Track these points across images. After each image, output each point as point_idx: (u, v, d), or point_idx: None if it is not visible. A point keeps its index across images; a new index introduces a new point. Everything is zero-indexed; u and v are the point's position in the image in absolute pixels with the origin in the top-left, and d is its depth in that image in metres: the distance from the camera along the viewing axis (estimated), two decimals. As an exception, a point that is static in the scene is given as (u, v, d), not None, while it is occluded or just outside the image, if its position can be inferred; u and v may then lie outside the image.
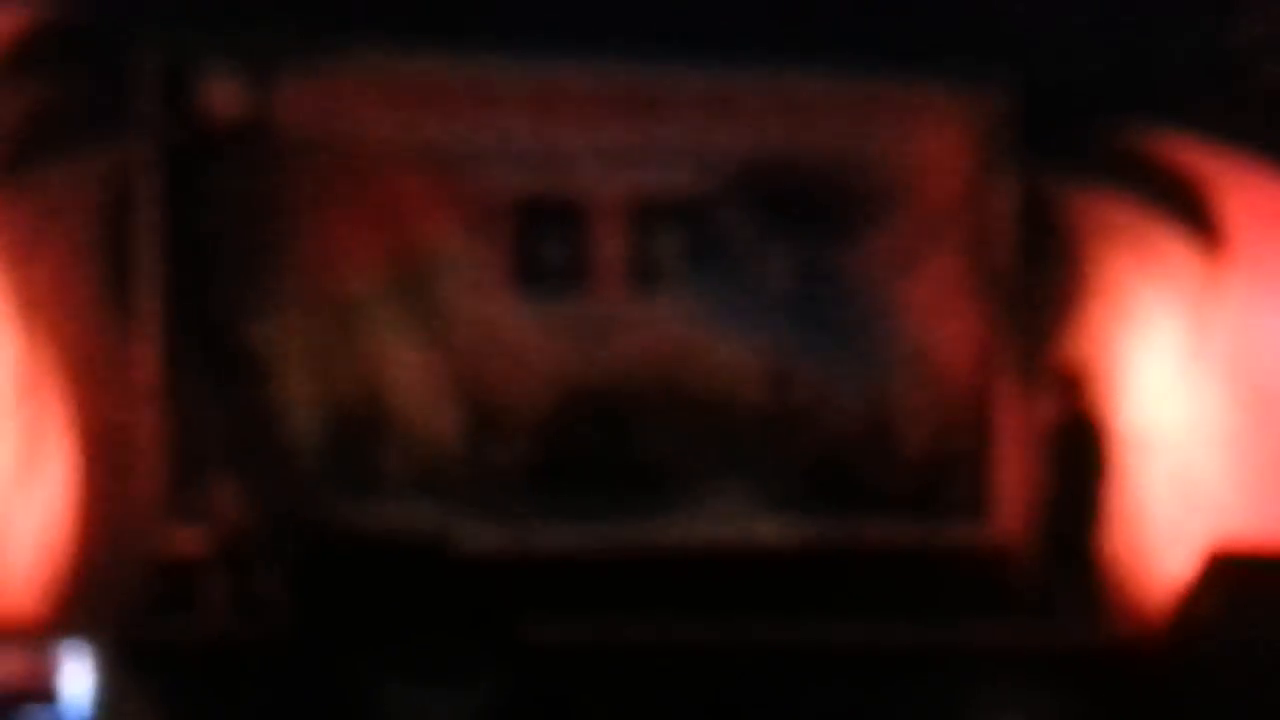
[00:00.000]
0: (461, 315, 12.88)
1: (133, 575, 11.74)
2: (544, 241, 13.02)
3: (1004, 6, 12.68)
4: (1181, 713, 9.18)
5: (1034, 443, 12.85)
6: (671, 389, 13.03)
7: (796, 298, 13.21)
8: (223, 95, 12.54)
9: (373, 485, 12.66)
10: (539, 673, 9.60)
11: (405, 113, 12.83)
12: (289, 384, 12.52)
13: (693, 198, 13.11)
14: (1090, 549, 12.18)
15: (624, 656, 10.45)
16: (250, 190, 12.64)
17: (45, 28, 11.09)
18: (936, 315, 13.23)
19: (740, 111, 13.14)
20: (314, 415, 12.58)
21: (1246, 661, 9.62)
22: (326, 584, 10.39)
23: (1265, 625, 9.89)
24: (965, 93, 13.30)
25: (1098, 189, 12.67)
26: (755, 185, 13.14)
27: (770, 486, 13.07)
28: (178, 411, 12.36)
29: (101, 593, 11.29)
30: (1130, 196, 12.51)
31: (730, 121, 13.13)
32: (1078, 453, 12.32)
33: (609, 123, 13.07)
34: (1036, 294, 13.15)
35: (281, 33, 12.81)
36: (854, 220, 13.21)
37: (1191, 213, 12.27)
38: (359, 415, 12.61)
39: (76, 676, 1.66)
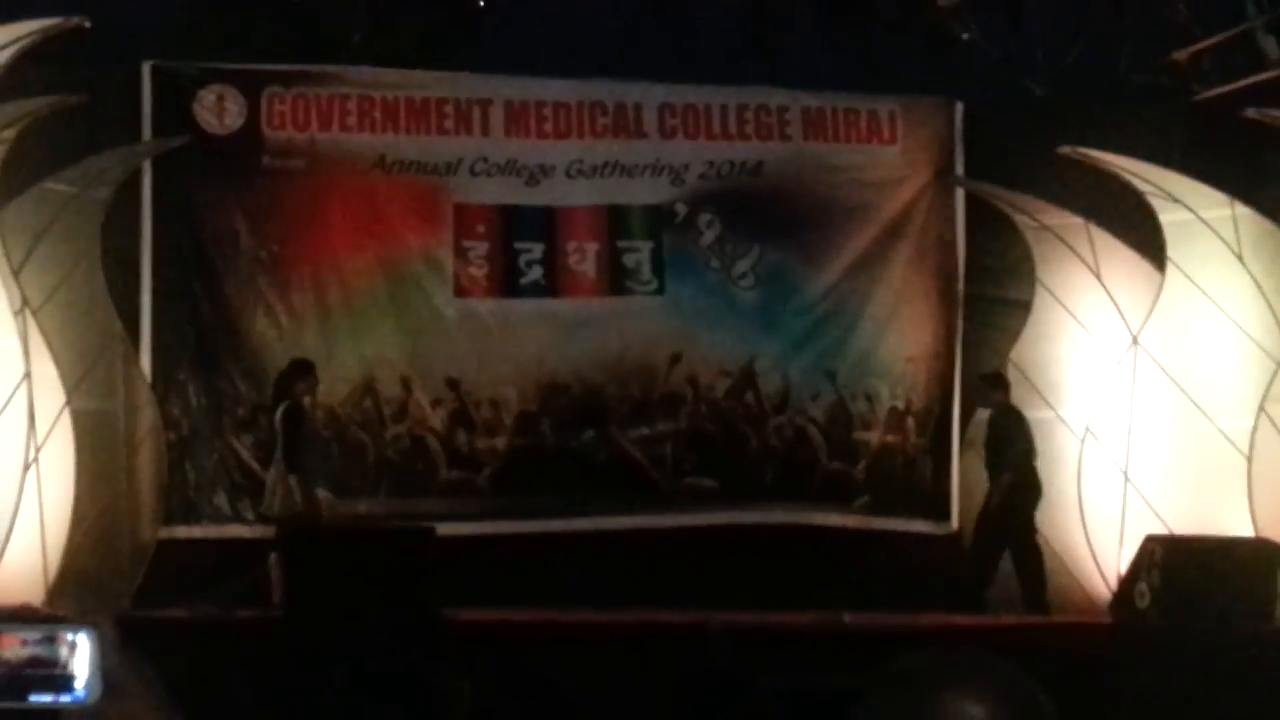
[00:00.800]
0: (443, 317, 13.10)
1: (133, 561, 12.00)
2: (522, 249, 13.24)
3: (952, 29, 12.93)
4: (1122, 683, 9.27)
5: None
6: (643, 385, 13.29)
7: (766, 296, 13.51)
8: (215, 107, 12.79)
9: (360, 478, 12.88)
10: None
11: (388, 125, 13.04)
12: (281, 381, 12.49)
13: (661, 206, 13.40)
14: (1026, 534, 12.35)
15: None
16: (241, 196, 12.87)
17: (51, 40, 11.09)
18: (894, 318, 13.57)
19: (706, 125, 13.45)
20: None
21: (1180, 637, 9.93)
22: (317, 569, 10.27)
23: (1195, 602, 10.25)
24: (917, 108, 13.72)
25: (1042, 199, 12.95)
26: (721, 195, 13.45)
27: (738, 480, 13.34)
28: (173, 406, 12.60)
29: (103, 578, 11.50)
30: (1073, 206, 12.79)
31: (697, 135, 13.44)
32: (1007, 444, 12.48)
33: (583, 136, 13.31)
34: (986, 298, 13.57)
35: (271, 49, 12.93)
36: (814, 228, 13.53)
37: (1132, 223, 12.58)
38: (345, 413, 12.77)
39: (84, 659, 1.92)
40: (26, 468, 10.80)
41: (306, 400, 11.91)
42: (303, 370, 11.91)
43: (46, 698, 1.87)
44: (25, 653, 1.89)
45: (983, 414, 12.98)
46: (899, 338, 13.58)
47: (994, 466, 12.53)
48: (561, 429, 13.22)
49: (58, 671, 1.88)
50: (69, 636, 1.88)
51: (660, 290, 13.44)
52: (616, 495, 13.22)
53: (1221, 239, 12.08)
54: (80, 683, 1.87)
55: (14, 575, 10.62)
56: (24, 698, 1.87)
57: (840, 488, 13.45)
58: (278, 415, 11.67)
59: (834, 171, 13.57)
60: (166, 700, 1.93)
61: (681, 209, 13.42)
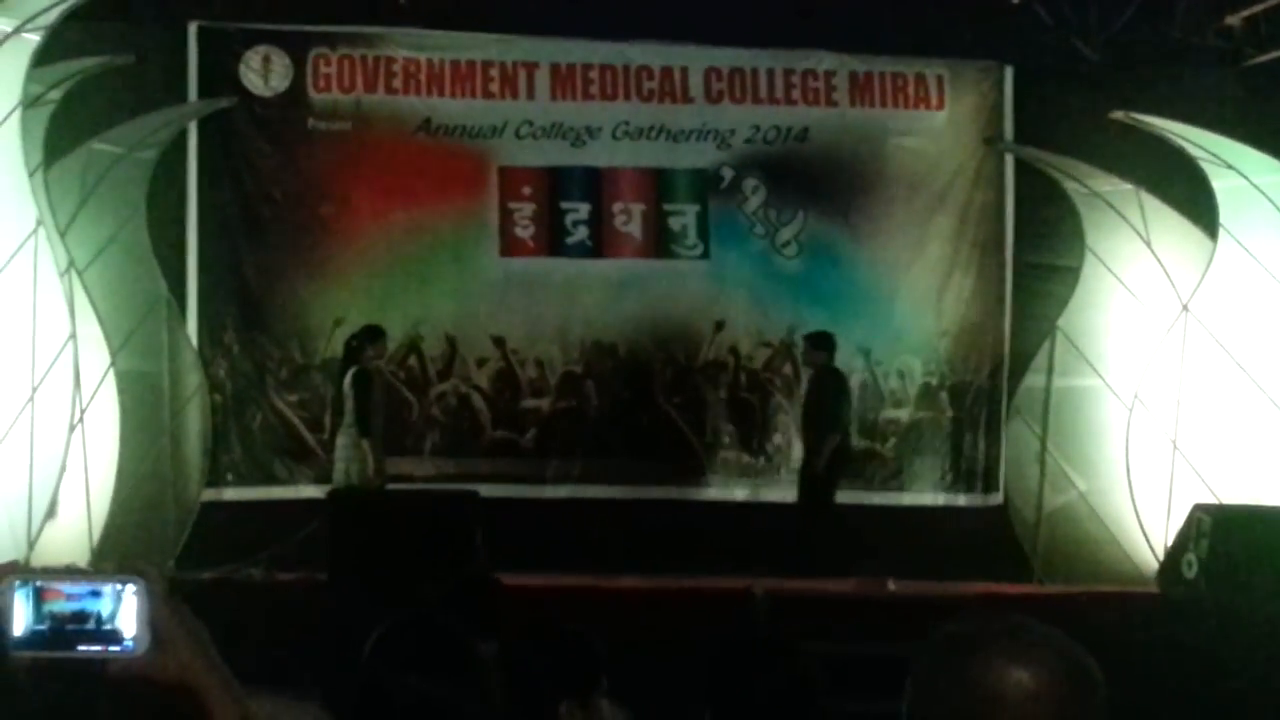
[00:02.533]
0: (489, 276, 13.12)
1: (178, 523, 12.08)
2: (569, 209, 13.25)
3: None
4: (1168, 654, 9.21)
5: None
6: (687, 352, 13.28)
7: (808, 266, 13.46)
8: (261, 68, 12.83)
9: (406, 437, 12.90)
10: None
11: (433, 88, 13.08)
12: (327, 344, 12.77)
13: (707, 170, 13.37)
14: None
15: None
16: (286, 157, 12.93)
17: (98, 1, 10.99)
18: (933, 293, 13.50)
19: (753, 90, 13.41)
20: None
21: (1226, 607, 9.84)
22: (363, 531, 10.31)
23: (1242, 572, 10.17)
24: (966, 72, 13.60)
25: (1093, 165, 12.82)
26: (766, 160, 13.41)
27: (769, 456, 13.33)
28: (218, 367, 12.70)
29: (147, 539, 11.56)
30: (1124, 172, 12.65)
31: (744, 99, 13.40)
32: (833, 405, 12.31)
33: (629, 99, 13.31)
34: (1034, 265, 13.48)
35: (317, 10, 12.97)
36: (859, 196, 13.47)
37: (1184, 189, 12.43)
38: (391, 371, 12.73)
39: (131, 609, 1.90)
40: (72, 428, 10.79)
41: (375, 365, 11.87)
42: (373, 335, 11.85)
43: (95, 648, 1.85)
44: (71, 607, 1.87)
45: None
46: (936, 313, 13.52)
47: (817, 426, 12.31)
48: (605, 391, 13.24)
49: (105, 622, 1.86)
50: (116, 587, 1.86)
51: (705, 255, 13.41)
52: (657, 463, 13.20)
53: (1275, 205, 11.94)
54: (128, 633, 1.85)
55: (59, 536, 10.67)
56: (72, 648, 1.86)
57: (868, 466, 13.37)
58: (347, 380, 11.60)
59: (880, 138, 13.51)
60: (215, 652, 1.90)
61: (727, 173, 13.40)
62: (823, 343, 12.42)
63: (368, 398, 11.56)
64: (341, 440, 11.67)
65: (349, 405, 11.56)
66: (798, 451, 12.92)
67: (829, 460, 12.15)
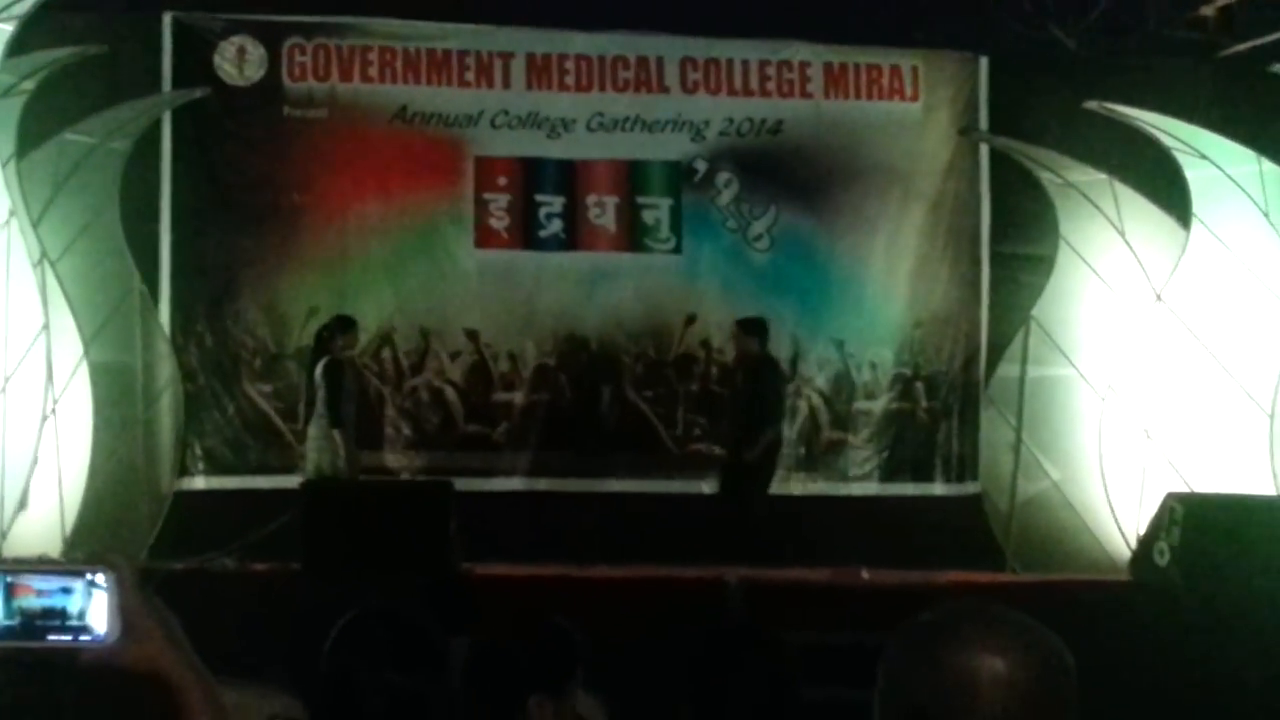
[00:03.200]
0: (463, 268, 13.11)
1: (150, 513, 12.03)
2: (543, 201, 13.22)
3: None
4: (1140, 642, 9.25)
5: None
6: (658, 345, 13.28)
7: (780, 259, 13.47)
8: (236, 57, 12.78)
9: (378, 430, 12.86)
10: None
11: (409, 77, 13.06)
12: (301, 333, 12.71)
13: (681, 163, 13.36)
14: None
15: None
16: (261, 147, 12.88)
17: None
18: (906, 284, 13.50)
19: (728, 80, 13.41)
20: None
21: (1199, 595, 9.90)
22: (336, 521, 10.30)
23: (1214, 560, 10.21)
24: (941, 62, 13.61)
25: (1067, 155, 12.85)
26: (740, 153, 13.40)
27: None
28: (191, 357, 12.65)
29: (120, 530, 11.53)
30: (1098, 162, 12.69)
31: (719, 90, 13.40)
32: (771, 394, 12.28)
33: (604, 89, 13.29)
34: (1008, 254, 13.50)
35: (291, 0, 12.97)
36: (832, 190, 13.47)
37: (1157, 179, 12.48)
38: (364, 364, 12.73)
39: (101, 599, 1.89)
40: (44, 419, 10.80)
41: (347, 355, 11.87)
42: (345, 325, 11.86)
43: (65, 638, 1.85)
44: (41, 602, 1.87)
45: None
46: (909, 304, 13.52)
47: (752, 416, 12.16)
48: (578, 385, 13.22)
49: (75, 615, 1.86)
50: (86, 579, 1.86)
51: (677, 249, 13.41)
52: (629, 456, 13.20)
53: (1248, 195, 12.01)
54: (99, 625, 1.85)
55: (32, 527, 10.69)
56: (43, 639, 1.86)
57: (841, 457, 13.42)
58: (318, 371, 11.61)
59: (854, 131, 13.50)
60: (186, 641, 1.90)
61: (701, 165, 13.39)
62: (755, 328, 12.32)
63: (339, 388, 11.57)
64: (313, 430, 11.67)
65: (320, 395, 11.56)
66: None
67: (763, 450, 12.09)
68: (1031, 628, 2.20)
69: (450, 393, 13.05)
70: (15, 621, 1.86)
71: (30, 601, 1.87)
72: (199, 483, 12.56)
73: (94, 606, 1.87)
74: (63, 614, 1.86)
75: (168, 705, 1.94)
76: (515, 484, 12.95)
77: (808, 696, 4.14)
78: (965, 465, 13.44)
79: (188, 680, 1.95)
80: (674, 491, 13.08)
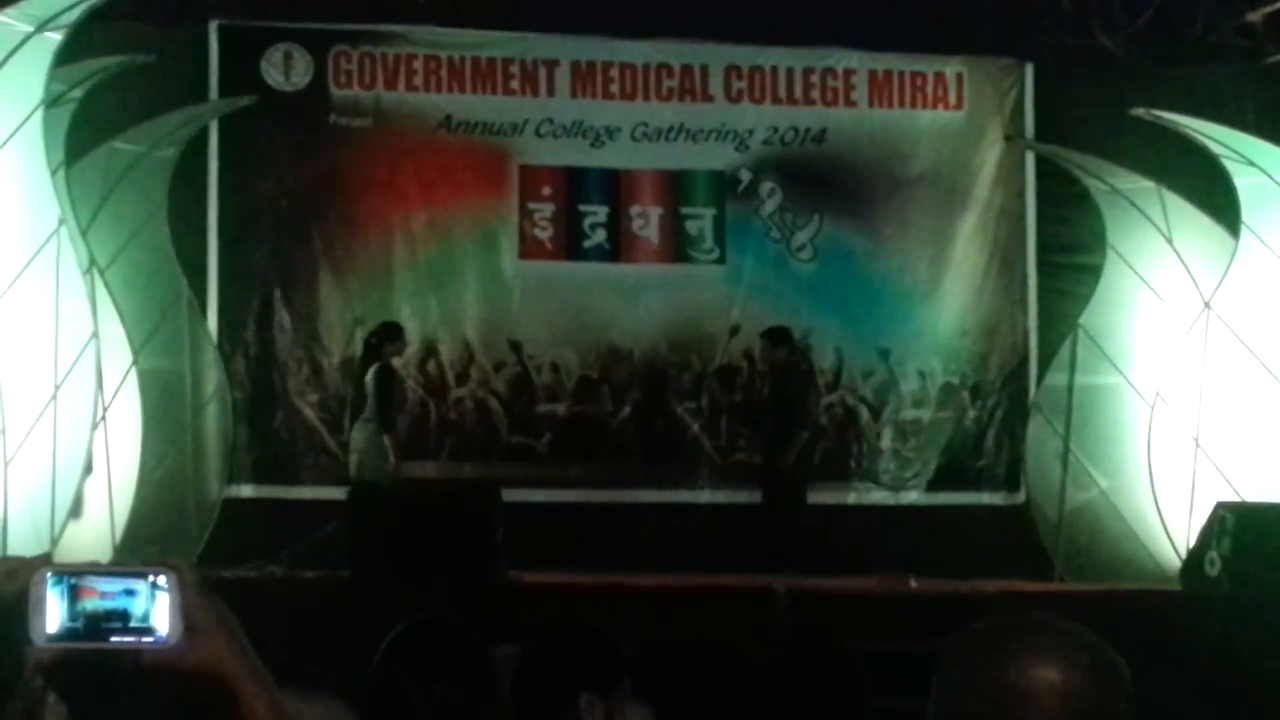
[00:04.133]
0: (507, 279, 13.12)
1: (198, 521, 12.08)
2: (587, 211, 13.26)
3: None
4: (1191, 652, 9.19)
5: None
6: (702, 356, 13.28)
7: (823, 269, 13.46)
8: (282, 65, 12.86)
9: (422, 441, 12.88)
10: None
11: (454, 85, 13.10)
12: (347, 344, 12.78)
13: (725, 173, 13.37)
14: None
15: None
16: (307, 155, 12.96)
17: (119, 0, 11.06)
18: (953, 293, 13.49)
19: (772, 89, 13.41)
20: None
21: (1250, 605, 9.81)
22: (384, 528, 10.32)
23: (1266, 569, 10.12)
24: (986, 69, 13.59)
25: (1114, 163, 12.77)
26: (783, 162, 13.41)
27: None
28: (238, 366, 12.73)
29: (169, 537, 11.57)
30: (1145, 170, 12.61)
31: (762, 99, 13.40)
32: (802, 401, 12.33)
33: (648, 98, 13.32)
34: (1055, 263, 13.47)
35: (337, 8, 13.01)
36: (875, 199, 13.47)
37: (1206, 187, 12.38)
38: (408, 374, 12.73)
39: (164, 601, 1.90)
40: (94, 427, 10.80)
41: (395, 362, 11.92)
42: (393, 332, 11.92)
43: (129, 640, 1.86)
44: (106, 604, 1.88)
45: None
46: (956, 313, 13.50)
47: (783, 423, 12.24)
48: (620, 396, 13.22)
49: (139, 614, 1.87)
50: (149, 580, 1.86)
51: (721, 259, 13.41)
52: (672, 467, 13.21)
53: (1297, 203, 11.94)
54: (161, 626, 1.86)
55: (82, 534, 10.68)
56: (106, 640, 1.86)
57: (890, 466, 13.42)
58: (369, 376, 11.62)
59: (898, 139, 13.51)
60: (248, 643, 1.91)
61: (745, 175, 13.39)
62: (780, 338, 12.40)
63: (389, 394, 11.60)
64: (358, 434, 11.71)
65: (370, 402, 11.57)
66: (817, 457, 12.82)
67: (799, 456, 12.14)
68: (1087, 638, 2.18)
69: (494, 403, 13.08)
70: (79, 624, 1.87)
71: (94, 604, 1.87)
72: (247, 490, 12.62)
73: (157, 608, 1.87)
74: (126, 615, 1.87)
75: (230, 707, 1.94)
76: (559, 495, 12.90)
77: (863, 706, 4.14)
78: (1013, 474, 13.39)
79: (250, 682, 1.96)
80: (718, 502, 13.09)
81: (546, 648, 4.29)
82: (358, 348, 12.32)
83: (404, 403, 12.19)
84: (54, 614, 1.85)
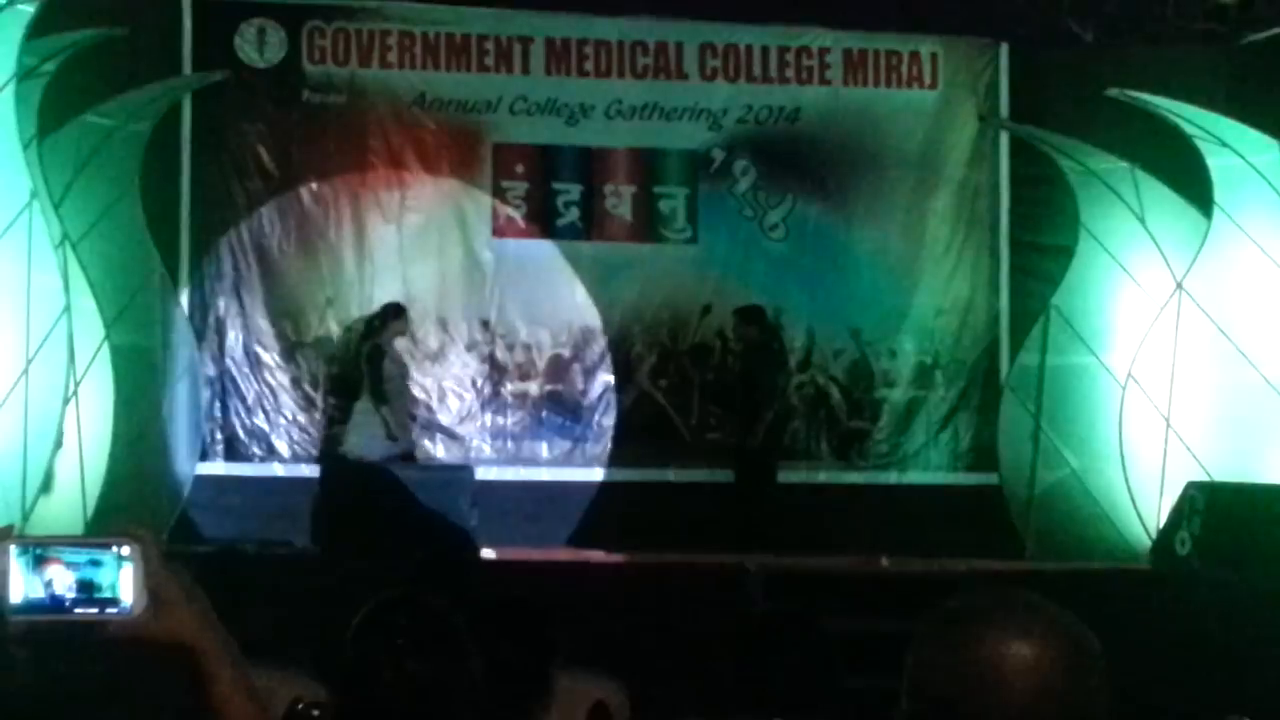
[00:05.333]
0: (480, 257, 13.09)
1: (170, 497, 12.08)
2: (560, 189, 13.24)
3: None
4: (1161, 630, 9.23)
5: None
6: (673, 335, 13.28)
7: (796, 248, 13.46)
8: (255, 40, 12.81)
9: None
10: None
11: (428, 62, 13.06)
12: (320, 321, 12.80)
13: (697, 152, 13.35)
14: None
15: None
16: (280, 130, 12.91)
17: None
18: (926, 272, 13.52)
19: (747, 67, 13.39)
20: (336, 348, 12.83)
21: (1219, 584, 9.85)
22: (355, 504, 10.34)
23: (1236, 549, 10.17)
24: (961, 49, 13.60)
25: (1088, 144, 12.77)
26: (757, 141, 13.40)
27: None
28: (210, 342, 12.71)
29: (140, 513, 11.52)
30: (1119, 150, 12.61)
31: (737, 77, 13.38)
32: (769, 380, 12.40)
33: (623, 75, 13.29)
34: (1028, 243, 13.51)
35: None
36: (849, 178, 13.47)
37: (1179, 167, 12.35)
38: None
39: (128, 572, 1.89)
40: (66, 402, 10.72)
41: (397, 341, 12.15)
42: (396, 312, 12.11)
43: (92, 611, 1.86)
44: (70, 574, 1.88)
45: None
46: (930, 292, 13.53)
47: (751, 403, 12.30)
48: (592, 375, 13.21)
49: (104, 588, 1.87)
50: (114, 552, 1.86)
51: (693, 239, 13.41)
52: (644, 446, 13.22)
53: (1269, 184, 11.94)
54: (126, 597, 1.86)
55: (53, 509, 10.59)
56: (70, 611, 1.86)
57: (862, 446, 13.44)
58: (363, 357, 11.96)
59: (873, 118, 13.51)
60: (213, 615, 1.91)
61: (718, 154, 13.38)
62: (753, 317, 12.47)
63: (378, 371, 11.80)
64: (359, 408, 11.99)
65: (366, 380, 11.85)
66: (786, 436, 12.92)
67: (767, 435, 12.20)
68: (1060, 615, 2.19)
69: (467, 383, 13.06)
70: (44, 594, 1.87)
71: (59, 573, 1.88)
72: (218, 468, 12.60)
73: (122, 580, 1.88)
74: (91, 587, 1.87)
75: (194, 678, 1.95)
76: (530, 473, 12.94)
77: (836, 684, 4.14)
78: (985, 454, 13.39)
79: (215, 652, 1.97)
80: (690, 481, 13.09)
81: (491, 623, 4.28)
82: (330, 326, 12.51)
83: (403, 379, 12.26)
84: (18, 585, 1.85)
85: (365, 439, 11.79)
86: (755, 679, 4.11)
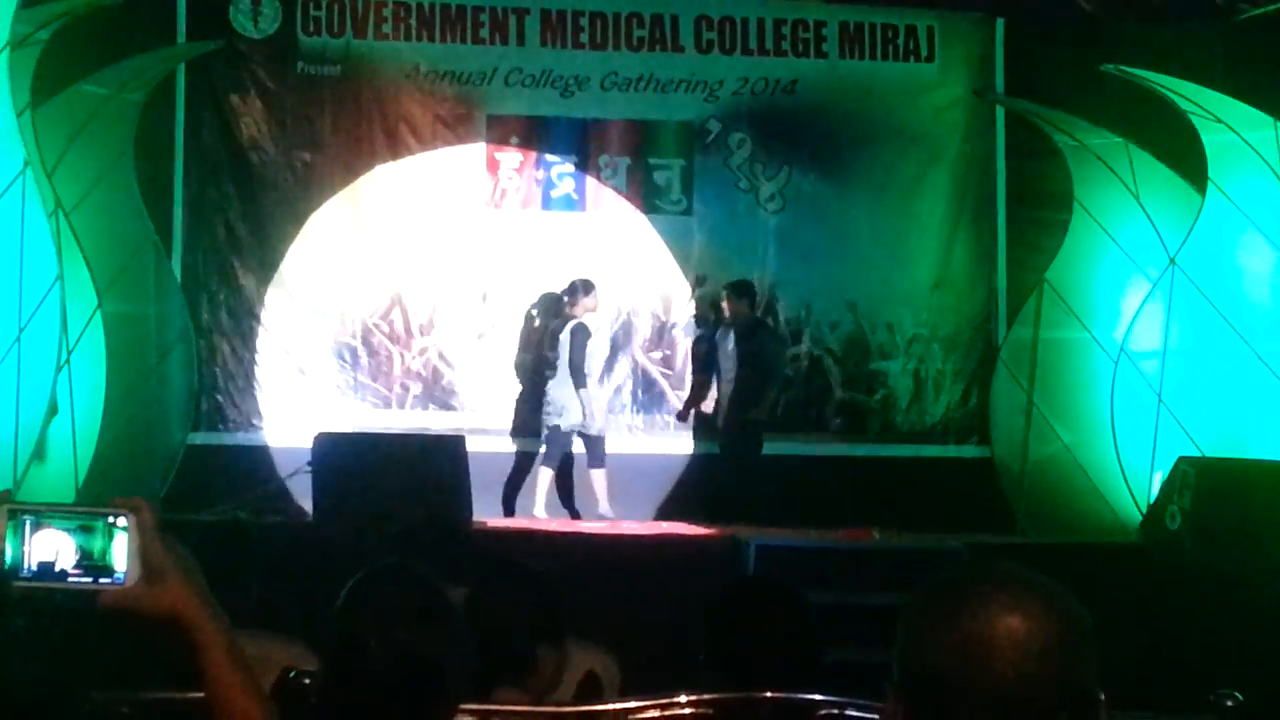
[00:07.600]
0: (475, 229, 13.05)
1: (162, 465, 12.10)
2: (555, 161, 13.22)
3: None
4: (1150, 605, 9.27)
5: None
6: (668, 307, 13.28)
7: (792, 220, 13.44)
8: (250, 10, 12.77)
9: (387, 390, 12.91)
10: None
11: (423, 33, 13.03)
12: (305, 289, 12.76)
13: (693, 124, 13.33)
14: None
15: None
16: (275, 101, 12.89)
17: None
18: (922, 245, 13.51)
19: (743, 39, 13.36)
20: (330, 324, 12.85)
21: (1209, 559, 9.88)
22: (348, 474, 10.34)
23: (1226, 524, 10.18)
24: (957, 24, 13.58)
25: (1083, 118, 12.79)
26: (754, 113, 13.37)
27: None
28: (203, 311, 12.70)
29: (132, 481, 11.52)
30: (1114, 125, 12.62)
31: (733, 49, 13.36)
32: (771, 356, 12.46)
33: (618, 47, 13.27)
34: (1022, 217, 13.50)
35: None
36: (846, 150, 13.45)
37: (1173, 143, 12.36)
38: (374, 324, 12.82)
39: (122, 541, 1.90)
40: (58, 370, 10.73)
41: (589, 318, 12.26)
42: (586, 288, 12.22)
43: (85, 579, 1.86)
44: (64, 540, 1.88)
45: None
46: (924, 266, 13.53)
47: (754, 380, 12.30)
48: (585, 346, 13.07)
49: (97, 556, 1.87)
50: (108, 521, 1.87)
51: (688, 210, 13.37)
52: (635, 417, 13.23)
53: (1264, 160, 11.93)
54: (119, 566, 1.87)
55: (45, 477, 10.57)
56: (63, 579, 1.87)
57: (854, 418, 13.45)
58: (564, 333, 12.11)
59: (869, 91, 13.49)
60: (205, 585, 1.92)
61: (714, 126, 13.36)
62: (743, 291, 12.47)
63: (583, 349, 12.04)
64: (555, 392, 12.11)
65: (563, 358, 12.02)
66: (781, 408, 12.93)
67: (767, 412, 12.30)
68: (1051, 588, 2.20)
69: (460, 355, 13.04)
70: (37, 559, 1.87)
71: (53, 538, 1.87)
72: (211, 436, 12.59)
73: (116, 549, 1.88)
74: (85, 554, 1.87)
75: (186, 645, 1.96)
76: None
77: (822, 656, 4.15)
78: (978, 427, 13.44)
79: (207, 625, 1.97)
80: (682, 452, 13.10)
81: (492, 592, 4.29)
82: (321, 295, 12.35)
83: (596, 356, 12.39)
84: (11, 550, 1.85)
85: (566, 425, 11.99)
86: (740, 652, 4.12)
